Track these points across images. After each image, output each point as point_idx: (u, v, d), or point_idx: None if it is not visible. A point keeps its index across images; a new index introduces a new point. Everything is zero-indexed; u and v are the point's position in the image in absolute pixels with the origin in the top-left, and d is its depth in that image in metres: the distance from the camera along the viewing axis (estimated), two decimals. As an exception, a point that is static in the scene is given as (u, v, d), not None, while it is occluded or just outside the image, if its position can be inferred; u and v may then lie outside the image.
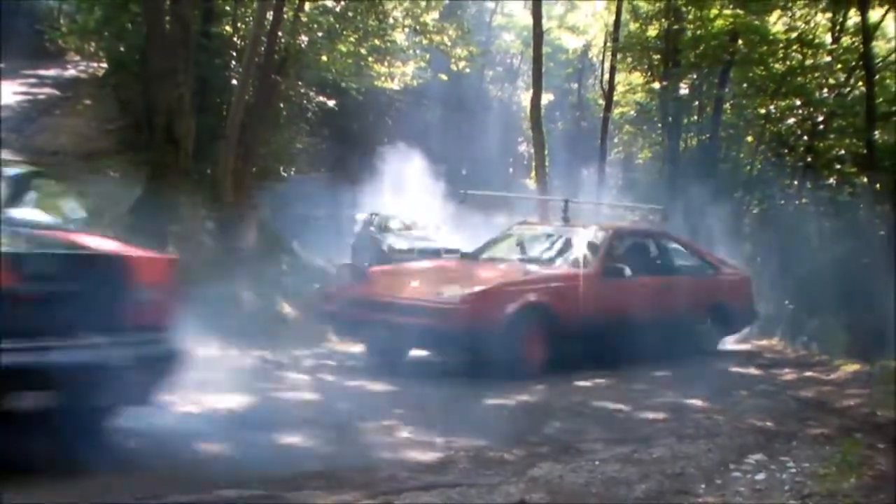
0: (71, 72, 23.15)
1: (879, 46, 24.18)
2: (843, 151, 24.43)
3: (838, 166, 24.70)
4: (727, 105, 24.96)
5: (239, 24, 19.91)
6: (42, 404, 5.46)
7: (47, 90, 20.85)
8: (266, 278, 14.75)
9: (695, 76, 24.72)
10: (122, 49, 19.54)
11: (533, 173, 24.32)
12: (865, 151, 21.62)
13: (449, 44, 24.11)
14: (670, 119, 25.17)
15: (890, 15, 22.63)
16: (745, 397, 9.65)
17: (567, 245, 12.18)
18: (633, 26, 26.83)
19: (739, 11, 22.74)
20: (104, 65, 22.00)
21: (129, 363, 5.51)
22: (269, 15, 16.50)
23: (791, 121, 24.82)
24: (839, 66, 23.78)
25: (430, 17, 23.83)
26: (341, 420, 7.34)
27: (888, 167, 21.19)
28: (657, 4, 25.47)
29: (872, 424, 8.16)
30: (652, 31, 26.04)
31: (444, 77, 29.29)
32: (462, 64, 25.91)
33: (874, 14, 22.04)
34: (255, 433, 6.68)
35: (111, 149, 17.09)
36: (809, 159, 24.01)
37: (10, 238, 5.49)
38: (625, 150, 32.96)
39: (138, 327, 5.85)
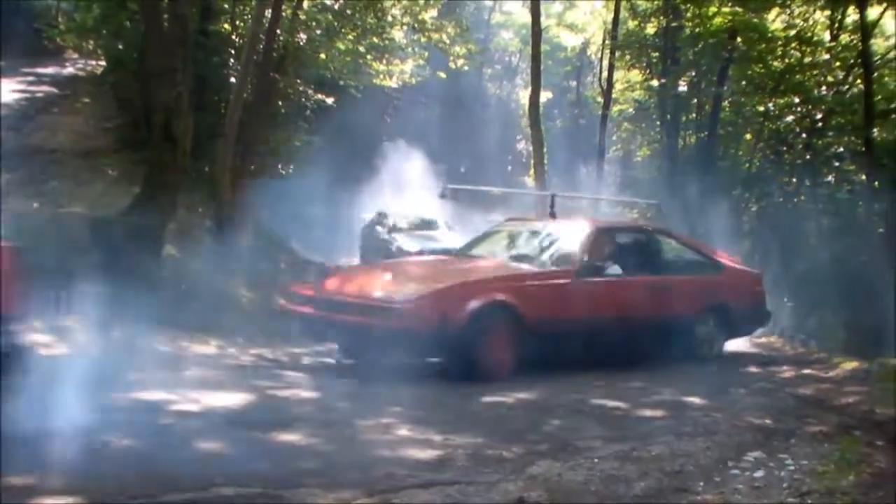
0: (69, 70, 23.14)
1: (878, 44, 24.20)
2: (841, 149, 24.45)
3: (837, 164, 24.72)
4: (726, 103, 24.97)
5: (237, 22, 19.90)
6: None
7: (45, 88, 20.85)
8: (264, 276, 14.76)
9: (693, 74, 24.75)
10: (120, 47, 19.54)
11: (531, 171, 24.29)
12: (864, 149, 21.62)
13: (447, 42, 24.10)
14: (669, 117, 25.19)
15: (888, 13, 22.62)
16: (743, 395, 9.65)
17: (548, 242, 11.66)
18: (631, 24, 26.85)
19: (738, 9, 22.75)
20: (102, 63, 22.01)
21: None
22: (268, 13, 16.49)
23: (790, 118, 24.83)
24: (838, 63, 23.79)
25: (429, 15, 23.82)
26: (339, 418, 7.33)
27: (887, 164, 21.19)
28: (655, 2, 25.51)
29: (871, 422, 8.15)
30: (650, 29, 26.07)
31: (442, 75, 29.32)
32: (460, 62, 25.90)
33: (872, 12, 22.03)
34: (252, 431, 6.68)
35: (109, 147, 17.09)
36: (808, 157, 24.03)
37: None
38: (623, 148, 32.97)
39: None
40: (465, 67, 28.55)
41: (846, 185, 24.41)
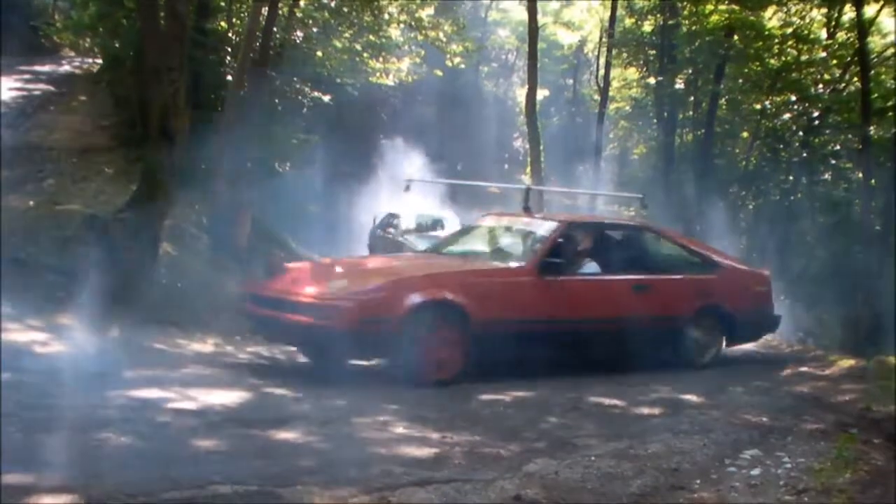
0: (66, 68, 23.11)
1: (874, 42, 24.25)
2: (838, 147, 24.52)
3: (833, 161, 24.79)
4: (722, 100, 25.03)
5: (234, 20, 19.87)
6: None
7: (42, 86, 20.81)
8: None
9: (690, 71, 24.79)
10: (116, 45, 19.51)
11: (528, 168, 24.31)
12: (860, 147, 21.66)
13: (444, 39, 24.07)
14: (666, 114, 25.24)
15: (885, 10, 22.66)
16: (740, 393, 9.65)
17: (515, 238, 11.17)
18: (628, 22, 26.90)
19: (735, 7, 22.81)
20: (99, 61, 21.97)
21: None
22: (264, 10, 16.47)
23: (786, 116, 24.89)
24: (834, 61, 23.86)
25: (426, 13, 23.81)
26: (336, 416, 7.33)
27: (883, 162, 21.23)
28: (652, 0, 25.51)
29: (868, 420, 8.17)
30: (647, 27, 26.14)
31: (439, 73, 29.30)
32: (457, 60, 25.88)
33: (869, 10, 22.10)
34: (249, 429, 6.68)
35: (106, 145, 17.06)
36: (805, 154, 24.07)
37: None
38: (620, 146, 33.04)
39: None
40: (462, 65, 28.57)
41: (843, 182, 24.49)
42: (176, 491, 5.11)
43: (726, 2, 23.11)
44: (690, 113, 25.41)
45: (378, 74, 23.73)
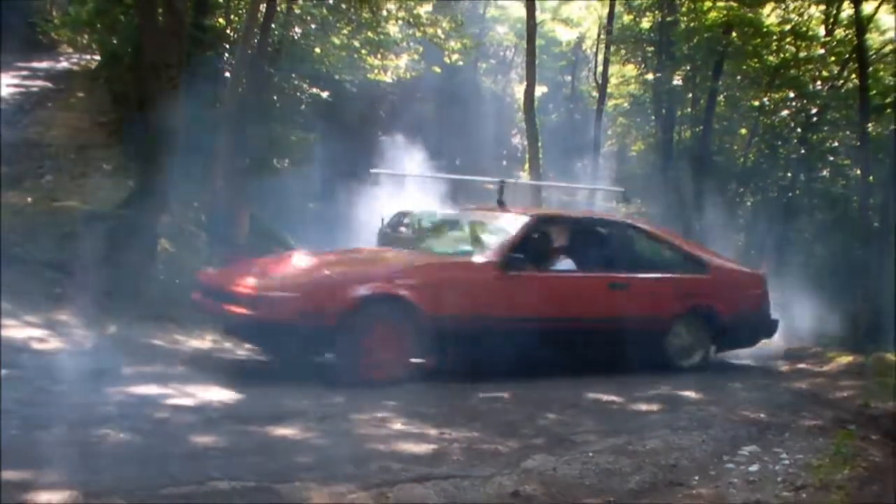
0: (64, 64, 23.06)
1: (873, 39, 24.25)
2: (836, 144, 24.52)
3: (832, 158, 24.81)
4: (721, 97, 25.02)
5: (232, 17, 19.85)
6: None
7: (40, 83, 20.78)
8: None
9: (688, 68, 24.77)
10: (114, 41, 19.48)
11: (526, 165, 24.29)
12: (859, 143, 21.68)
13: (442, 36, 24.06)
14: (664, 111, 25.23)
15: (883, 7, 22.66)
16: (738, 389, 9.68)
17: (483, 232, 10.45)
18: (626, 18, 26.89)
19: (733, 3, 22.80)
20: (97, 57, 21.94)
21: None
22: (263, 7, 16.46)
23: (785, 113, 24.89)
24: (833, 58, 23.85)
25: (424, 10, 23.80)
26: (334, 412, 7.32)
27: (882, 159, 21.24)
28: (650, -4, 25.53)
29: (866, 416, 8.18)
30: (646, 24, 26.12)
31: (437, 70, 29.27)
32: (455, 56, 25.88)
33: (868, 6, 22.09)
34: (247, 425, 6.67)
35: (104, 141, 17.05)
36: (803, 151, 24.08)
37: None
38: (618, 142, 33.03)
39: None
40: (460, 62, 28.56)
41: (841, 179, 24.51)
42: (174, 487, 5.11)
43: (724, -2, 23.18)
44: (689, 110, 25.40)
45: (376, 71, 23.71)
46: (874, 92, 22.21)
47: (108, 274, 10.38)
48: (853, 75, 22.88)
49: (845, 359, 11.73)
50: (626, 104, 29.30)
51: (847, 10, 23.27)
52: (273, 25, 17.35)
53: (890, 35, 24.34)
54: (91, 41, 22.15)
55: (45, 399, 6.92)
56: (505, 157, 42.70)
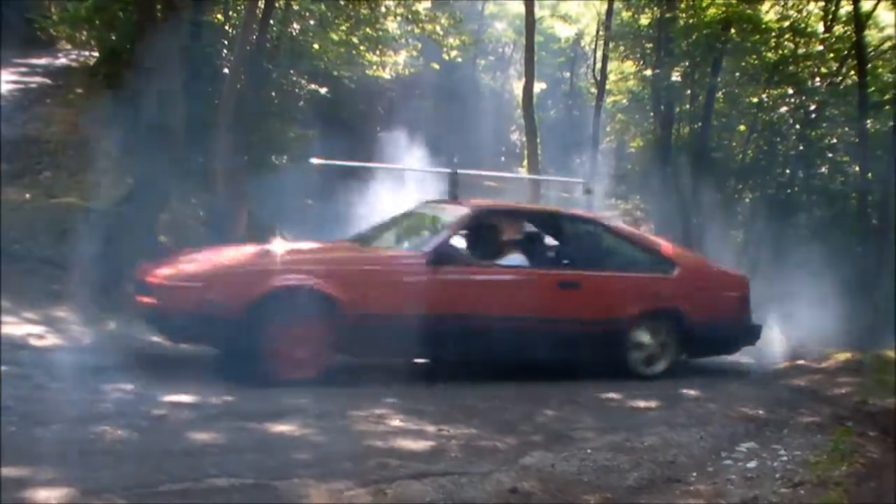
0: (62, 60, 23.04)
1: (871, 35, 24.22)
2: (835, 140, 24.48)
3: (830, 155, 24.75)
4: (719, 94, 24.96)
5: (230, 13, 19.85)
6: None
7: (38, 79, 20.75)
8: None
9: (687, 65, 24.71)
10: (113, 38, 19.48)
11: (525, 161, 24.29)
12: (858, 140, 21.67)
13: (441, 33, 24.07)
14: (662, 108, 25.18)
15: (882, 4, 22.65)
16: (736, 386, 9.68)
17: (424, 225, 10.03)
18: (625, 15, 26.85)
19: (732, 0, 22.75)
20: (96, 53, 21.92)
21: None
22: (261, 3, 16.46)
23: (783, 109, 24.84)
24: (831, 54, 23.81)
25: (422, 6, 23.82)
26: (332, 408, 7.32)
27: (880, 156, 21.23)
28: (649, -7, 25.51)
29: (864, 413, 8.19)
30: (644, 20, 26.08)
31: (436, 66, 29.26)
32: (454, 53, 25.88)
33: (866, 3, 22.08)
34: (245, 422, 6.67)
35: (102, 137, 17.04)
36: (802, 148, 24.04)
37: None
38: (617, 139, 33.01)
39: None
40: (459, 59, 28.57)
41: (840, 176, 24.47)
42: (171, 484, 5.12)
43: (723, -5, 23.17)
44: (687, 106, 25.34)
45: (375, 67, 23.70)
46: (873, 88, 22.19)
47: (107, 271, 10.38)
48: (852, 72, 22.85)
49: (843, 355, 11.72)
50: (624, 101, 29.26)
51: (846, 7, 23.27)
52: (271, 22, 17.36)
53: (889, 31, 24.31)
54: (90, 37, 22.13)
55: (42, 396, 6.92)
56: (504, 153, 42.75)
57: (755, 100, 24.76)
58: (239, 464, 5.57)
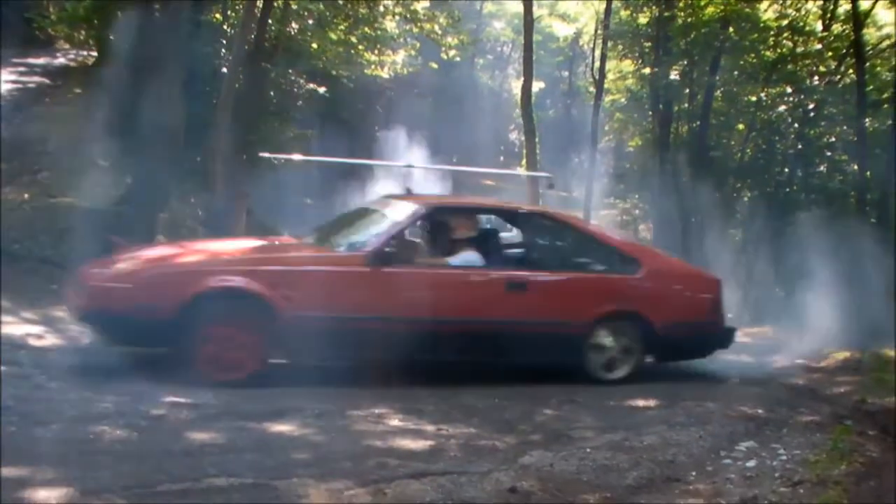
0: (60, 60, 23.05)
1: (870, 34, 24.23)
2: (833, 139, 24.49)
3: (829, 154, 24.77)
4: (718, 92, 24.97)
5: (229, 12, 19.87)
6: None
7: (37, 79, 20.76)
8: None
9: (685, 63, 24.72)
10: (111, 37, 19.49)
11: (524, 161, 24.30)
12: (856, 139, 21.67)
13: (439, 32, 24.08)
14: (661, 106, 25.19)
15: (880, 2, 22.65)
16: (735, 385, 9.67)
17: (371, 224, 9.37)
18: (623, 13, 26.83)
19: (731, -2, 22.79)
20: (94, 53, 21.92)
21: None
22: (259, 3, 16.47)
23: (782, 108, 24.85)
24: (830, 53, 23.82)
25: (421, 6, 23.82)
26: (331, 408, 7.31)
27: (879, 154, 21.23)
28: (647, -9, 25.50)
29: (863, 411, 8.20)
30: (643, 19, 26.06)
31: (434, 65, 29.27)
32: (452, 52, 25.87)
33: (865, 1, 22.08)
34: (245, 421, 6.67)
35: (101, 137, 17.04)
36: (800, 147, 24.05)
37: None
38: (615, 138, 33.00)
39: None
40: (457, 58, 28.57)
41: (838, 175, 24.48)
42: (171, 483, 5.12)
43: (721, -7, 23.17)
44: (686, 105, 25.34)
45: (373, 67, 23.72)
46: (871, 87, 22.21)
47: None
48: (850, 70, 22.85)
49: (842, 354, 11.72)
50: (623, 99, 29.25)
51: (844, 6, 23.26)
52: (270, 21, 17.36)
53: (887, 30, 24.32)
54: (88, 37, 22.13)
55: (42, 395, 6.92)
56: (502, 152, 42.77)
57: (754, 98, 24.76)
58: (238, 463, 5.57)
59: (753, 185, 25.16)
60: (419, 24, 23.39)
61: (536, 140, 21.15)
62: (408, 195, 10.19)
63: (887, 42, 23.72)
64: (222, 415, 6.83)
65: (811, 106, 23.92)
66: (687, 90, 24.90)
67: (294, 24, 20.17)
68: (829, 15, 24.21)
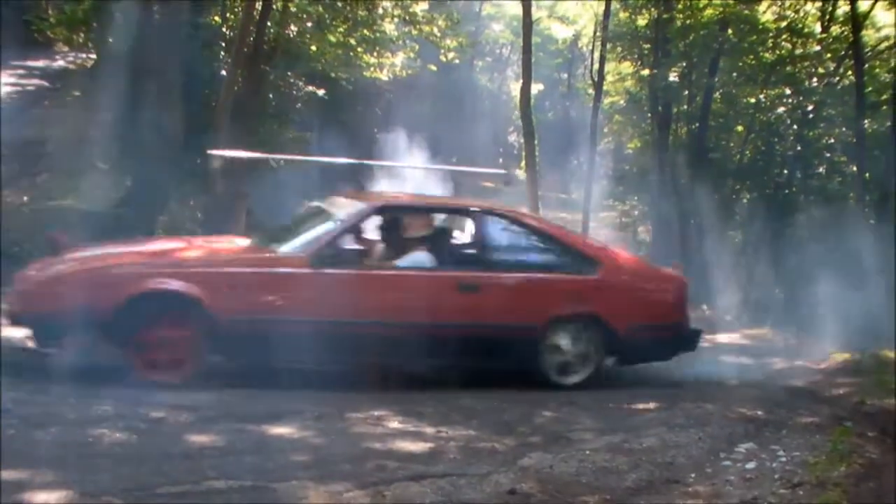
0: (60, 63, 23.06)
1: (869, 35, 24.23)
2: (832, 140, 24.50)
3: (828, 155, 24.79)
4: (717, 94, 24.96)
5: (228, 15, 19.86)
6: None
7: (36, 81, 20.79)
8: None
9: (684, 65, 24.71)
10: (110, 39, 19.49)
11: (523, 163, 24.28)
12: (855, 140, 21.68)
13: (438, 34, 24.04)
14: (660, 108, 25.16)
15: (879, 4, 22.66)
16: (735, 386, 9.67)
17: (319, 223, 9.10)
18: (622, 15, 26.81)
19: (729, 0, 22.77)
20: (93, 56, 21.93)
21: None
22: (258, 5, 16.46)
23: (781, 110, 24.84)
24: (829, 55, 23.82)
25: (420, 8, 23.79)
26: (330, 410, 7.31)
27: (878, 156, 21.24)
28: (646, -7, 25.50)
29: (862, 413, 8.20)
30: (641, 21, 26.05)
31: (433, 68, 29.25)
32: (451, 54, 25.85)
33: (864, 3, 22.09)
34: (244, 424, 6.67)
35: (100, 140, 17.06)
36: (799, 148, 24.05)
37: None
38: (615, 140, 32.97)
39: None
40: (456, 60, 28.53)
41: (837, 176, 24.50)
42: (170, 486, 5.12)
43: (720, -5, 23.19)
44: (685, 107, 25.32)
45: (372, 69, 23.68)
46: (870, 88, 22.22)
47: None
48: (849, 72, 22.85)
49: (841, 356, 11.73)
50: (622, 101, 29.24)
51: (843, 7, 23.26)
52: (269, 23, 17.34)
53: (886, 31, 24.33)
54: (87, 40, 22.13)
55: (41, 399, 6.92)
56: (501, 154, 42.73)
57: (753, 100, 24.74)
58: (237, 466, 5.58)
59: (753, 187, 25.15)
60: (418, 27, 23.37)
61: (535, 142, 21.11)
62: (358, 193, 10.14)
63: (886, 44, 23.73)
64: (221, 417, 6.83)
65: (810, 107, 23.93)
66: (686, 92, 24.89)
67: (293, 27, 20.14)
68: (827, 16, 24.21)
